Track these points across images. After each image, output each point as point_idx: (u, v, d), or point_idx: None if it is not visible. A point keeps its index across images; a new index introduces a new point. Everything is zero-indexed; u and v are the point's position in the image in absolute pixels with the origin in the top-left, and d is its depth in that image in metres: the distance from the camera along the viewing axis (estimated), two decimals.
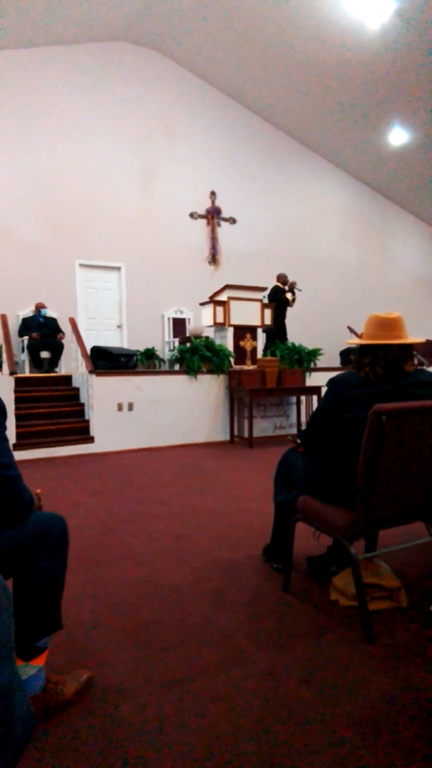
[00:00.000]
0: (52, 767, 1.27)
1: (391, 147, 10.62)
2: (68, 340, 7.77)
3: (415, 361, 2.19)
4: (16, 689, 0.70)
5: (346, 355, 9.42)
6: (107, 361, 6.95)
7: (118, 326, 9.49)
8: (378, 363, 1.98)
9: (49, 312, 8.33)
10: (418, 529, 2.48)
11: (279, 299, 8.64)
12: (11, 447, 1.42)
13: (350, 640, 1.82)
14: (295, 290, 8.82)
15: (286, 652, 1.76)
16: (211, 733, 1.38)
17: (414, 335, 2.20)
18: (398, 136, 10.29)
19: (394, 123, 10.01)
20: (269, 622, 1.97)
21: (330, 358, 9.29)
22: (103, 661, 1.73)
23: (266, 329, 8.64)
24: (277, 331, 8.71)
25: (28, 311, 8.28)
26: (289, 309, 8.93)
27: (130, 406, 6.36)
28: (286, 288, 8.76)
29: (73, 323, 7.34)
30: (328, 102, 9.71)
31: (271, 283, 8.69)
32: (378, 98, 9.35)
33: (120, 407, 6.30)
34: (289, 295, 8.70)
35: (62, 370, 8.10)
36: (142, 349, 8.72)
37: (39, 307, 8.17)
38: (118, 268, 9.42)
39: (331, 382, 2.10)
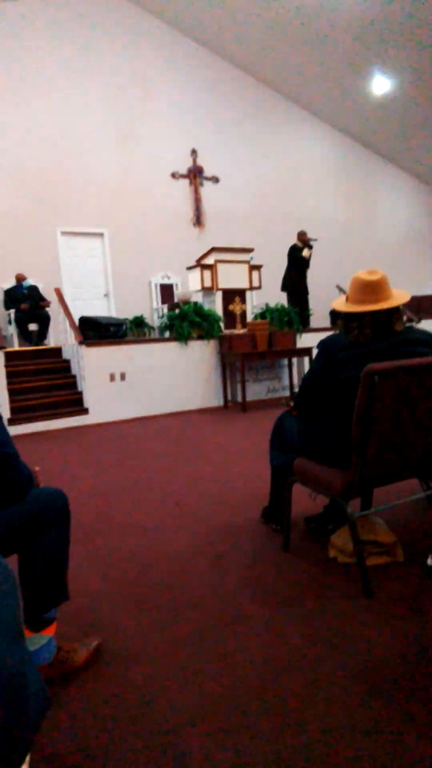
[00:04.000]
0: (67, 732, 1.32)
1: (373, 96, 10.26)
2: (55, 311, 7.65)
3: (404, 318, 2.18)
4: (28, 670, 0.72)
5: (334, 314, 9.36)
6: (96, 331, 6.88)
7: (105, 295, 9.35)
8: (366, 326, 1.97)
9: (32, 282, 8.16)
10: (413, 485, 2.54)
11: (295, 258, 8.51)
12: (6, 423, 1.41)
13: (350, 595, 1.88)
14: (311, 244, 8.62)
15: (288, 610, 1.82)
16: (217, 690, 1.43)
17: (403, 289, 2.17)
18: (381, 85, 9.92)
19: (376, 71, 9.64)
20: (270, 581, 2.03)
21: (319, 317, 9.25)
22: (111, 628, 1.78)
23: (285, 289, 8.59)
24: (296, 291, 8.59)
25: (10, 284, 8.10)
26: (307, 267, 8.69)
27: (123, 376, 6.34)
28: (301, 245, 8.56)
29: (59, 294, 7.21)
30: (310, 51, 9.29)
31: (257, 243, 8.55)
32: (360, 46, 8.96)
33: (112, 377, 6.28)
34: (305, 252, 8.51)
35: (51, 342, 8.02)
36: (130, 317, 8.63)
37: (20, 278, 7.99)
38: (101, 234, 9.20)
39: (322, 344, 2.09)
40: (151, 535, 2.60)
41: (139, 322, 8.68)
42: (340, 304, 2.09)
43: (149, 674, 1.53)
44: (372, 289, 1.98)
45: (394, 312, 2.00)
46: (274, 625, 1.73)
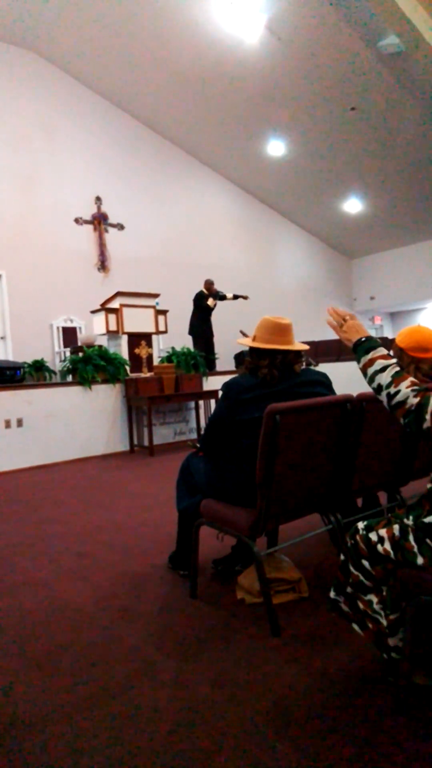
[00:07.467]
0: None
1: (271, 158, 11.14)
2: None
3: (304, 362, 2.34)
4: None
5: (239, 358, 9.69)
6: None
7: (1, 338, 8.90)
8: (275, 366, 2.07)
9: None
10: (315, 520, 2.62)
11: (201, 305, 8.78)
12: None
13: (257, 636, 1.87)
14: (219, 295, 8.93)
15: (196, 658, 1.76)
16: (124, 753, 1.33)
17: (300, 337, 2.37)
18: (276, 148, 10.81)
19: (271, 136, 10.52)
20: (178, 630, 1.96)
21: (225, 361, 9.51)
22: (5, 698, 1.60)
23: (192, 333, 8.86)
24: (202, 335, 8.83)
25: None
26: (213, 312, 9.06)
27: (20, 422, 5.98)
28: (207, 293, 8.84)
29: None
30: (211, 113, 9.94)
31: (163, 288, 8.69)
32: (256, 111, 9.74)
33: (8, 424, 5.90)
34: (210, 302, 8.82)
35: None
36: (29, 360, 8.25)
37: None
38: None
39: (226, 387, 2.15)
40: (50, 591, 2.41)
41: (39, 366, 8.32)
42: (249, 341, 2.20)
43: (48, 745, 1.38)
44: (282, 330, 2.12)
45: (298, 355, 2.15)
46: (181, 675, 1.66)
